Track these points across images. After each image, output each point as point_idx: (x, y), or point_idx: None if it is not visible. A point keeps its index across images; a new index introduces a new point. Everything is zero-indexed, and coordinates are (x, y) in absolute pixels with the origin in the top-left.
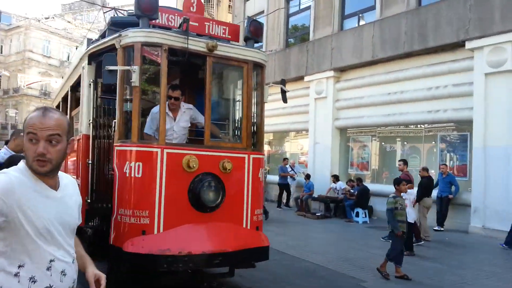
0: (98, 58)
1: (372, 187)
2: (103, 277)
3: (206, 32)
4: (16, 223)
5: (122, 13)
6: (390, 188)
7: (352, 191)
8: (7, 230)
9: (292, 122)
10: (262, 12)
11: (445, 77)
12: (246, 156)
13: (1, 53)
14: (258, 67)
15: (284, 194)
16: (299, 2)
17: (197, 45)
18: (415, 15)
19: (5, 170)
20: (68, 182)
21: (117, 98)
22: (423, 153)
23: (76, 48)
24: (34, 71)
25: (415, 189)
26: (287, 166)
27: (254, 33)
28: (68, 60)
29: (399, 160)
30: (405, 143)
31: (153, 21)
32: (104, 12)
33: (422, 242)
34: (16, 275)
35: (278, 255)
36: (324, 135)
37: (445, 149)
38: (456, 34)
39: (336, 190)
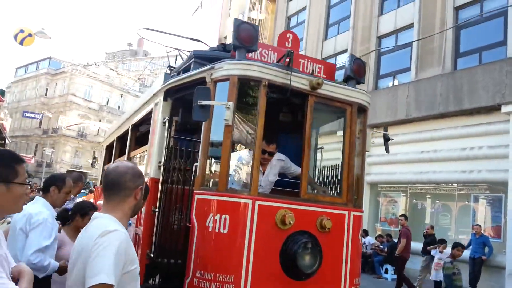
0: (176, 94)
1: None
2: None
3: (301, 69)
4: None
5: (186, 54)
6: (420, 245)
7: (381, 246)
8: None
9: None
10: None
11: (480, 139)
12: (346, 213)
13: (46, 95)
14: (362, 110)
15: None
16: (335, 60)
17: (299, 81)
18: (450, 78)
19: (116, 226)
20: None
21: (201, 138)
22: (454, 212)
23: (121, 96)
24: (74, 113)
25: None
26: None
27: (357, 72)
28: (107, 104)
29: (400, 215)
30: (437, 201)
31: (248, 54)
32: (167, 52)
33: None
34: None
35: None
36: None
37: (478, 209)
38: (492, 97)
39: (364, 245)
